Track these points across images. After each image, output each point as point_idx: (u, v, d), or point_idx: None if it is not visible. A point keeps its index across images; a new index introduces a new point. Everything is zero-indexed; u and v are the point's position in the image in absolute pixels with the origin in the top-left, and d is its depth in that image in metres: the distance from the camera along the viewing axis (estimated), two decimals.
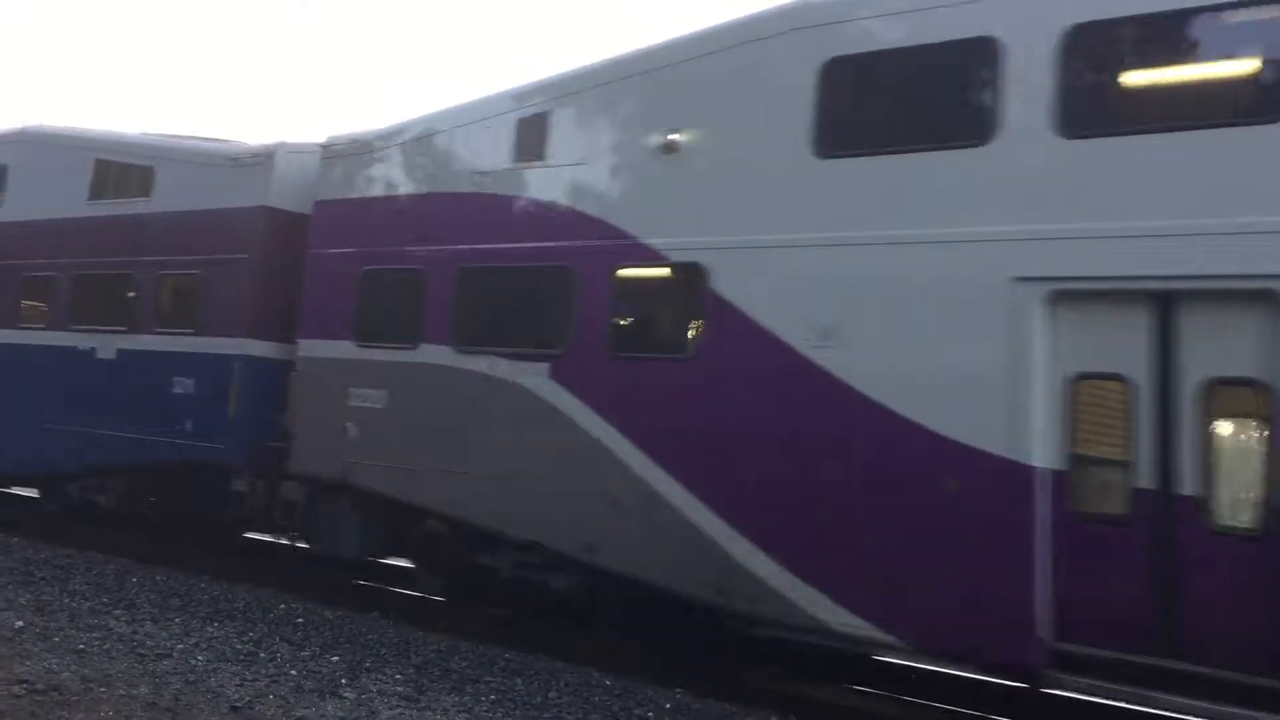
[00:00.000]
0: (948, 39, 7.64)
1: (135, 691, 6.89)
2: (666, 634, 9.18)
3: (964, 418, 7.22)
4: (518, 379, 9.44)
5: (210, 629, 9.02)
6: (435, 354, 10.03)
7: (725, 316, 8.32)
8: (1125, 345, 6.89)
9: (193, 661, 7.84)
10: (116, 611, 9.36)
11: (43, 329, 13.91)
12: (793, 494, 7.89)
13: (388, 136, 10.87)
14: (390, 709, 7.12)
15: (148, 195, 12.90)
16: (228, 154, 12.32)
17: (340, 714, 6.90)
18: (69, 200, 13.76)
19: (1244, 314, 6.54)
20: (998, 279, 7.18)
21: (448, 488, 9.78)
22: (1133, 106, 7.13)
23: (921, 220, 7.54)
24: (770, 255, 8.17)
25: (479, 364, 9.71)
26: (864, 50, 8.01)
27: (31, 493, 15.54)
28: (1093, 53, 7.18)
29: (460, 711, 7.25)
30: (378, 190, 10.81)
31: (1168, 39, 7.06)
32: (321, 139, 11.50)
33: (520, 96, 9.94)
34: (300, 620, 9.78)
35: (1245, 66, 6.76)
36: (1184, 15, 6.95)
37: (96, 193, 13.53)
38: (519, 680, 8.24)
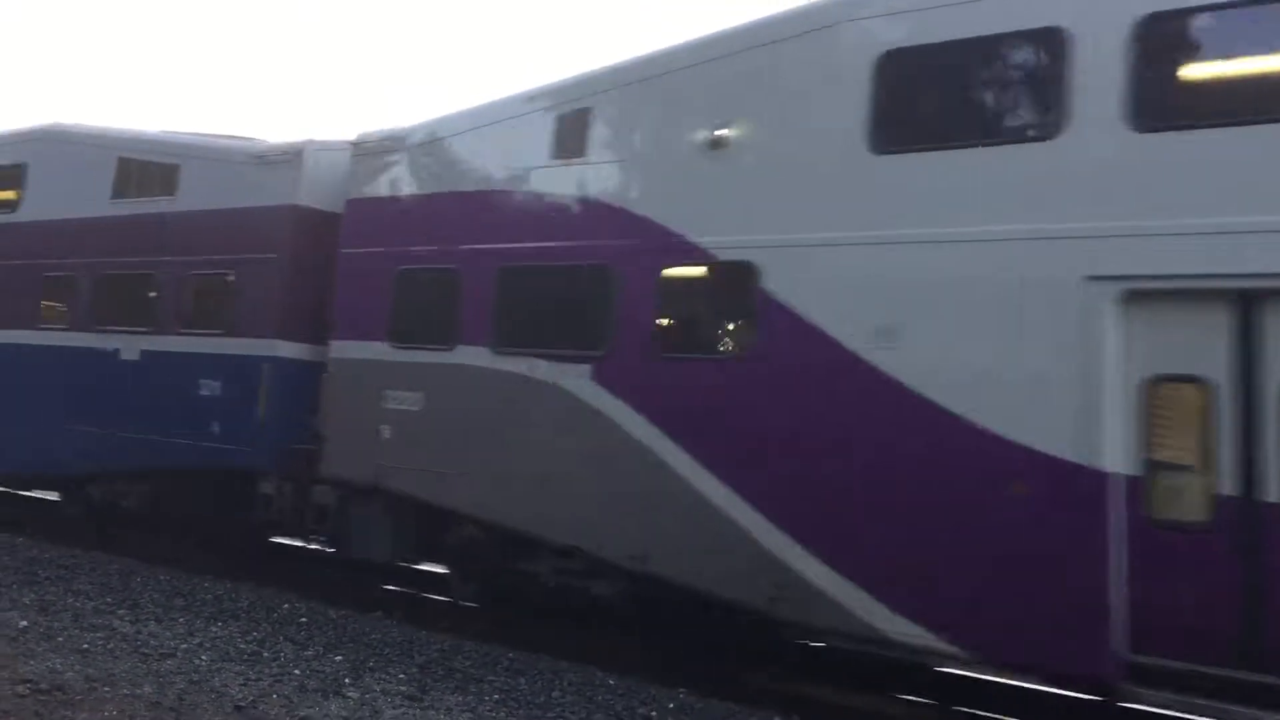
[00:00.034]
0: (1013, 30, 7.41)
1: (139, 691, 6.87)
2: (711, 637, 8.96)
3: (1031, 421, 6.98)
4: (558, 381, 9.22)
5: (214, 629, 8.98)
6: (473, 355, 9.81)
7: (777, 316, 8.09)
8: (1204, 346, 6.65)
9: (196, 661, 7.80)
10: (120, 611, 9.32)
11: (64, 329, 13.70)
12: (848, 499, 7.65)
13: (422, 133, 10.64)
14: (394, 708, 7.09)
15: (172, 194, 12.69)
16: (254, 152, 12.10)
17: (344, 713, 6.87)
18: (91, 199, 13.55)
19: None
20: (1068, 278, 6.95)
21: (486, 492, 9.55)
22: (1208, 98, 6.90)
23: (985, 217, 7.30)
24: (825, 254, 7.93)
25: (518, 365, 9.49)
26: (922, 42, 7.78)
27: (50, 495, 15.42)
28: (1166, 43, 6.94)
29: (464, 711, 7.20)
30: (412, 188, 10.59)
31: (1243, 28, 6.83)
32: (352, 136, 11.29)
33: (560, 92, 9.72)
34: (304, 620, 9.72)
35: None
36: (1260, 3, 6.71)
37: (119, 191, 13.31)
38: (522, 679, 8.19)
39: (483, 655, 8.90)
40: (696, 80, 8.82)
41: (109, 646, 8.00)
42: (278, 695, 7.12)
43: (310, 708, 6.90)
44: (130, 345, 12.77)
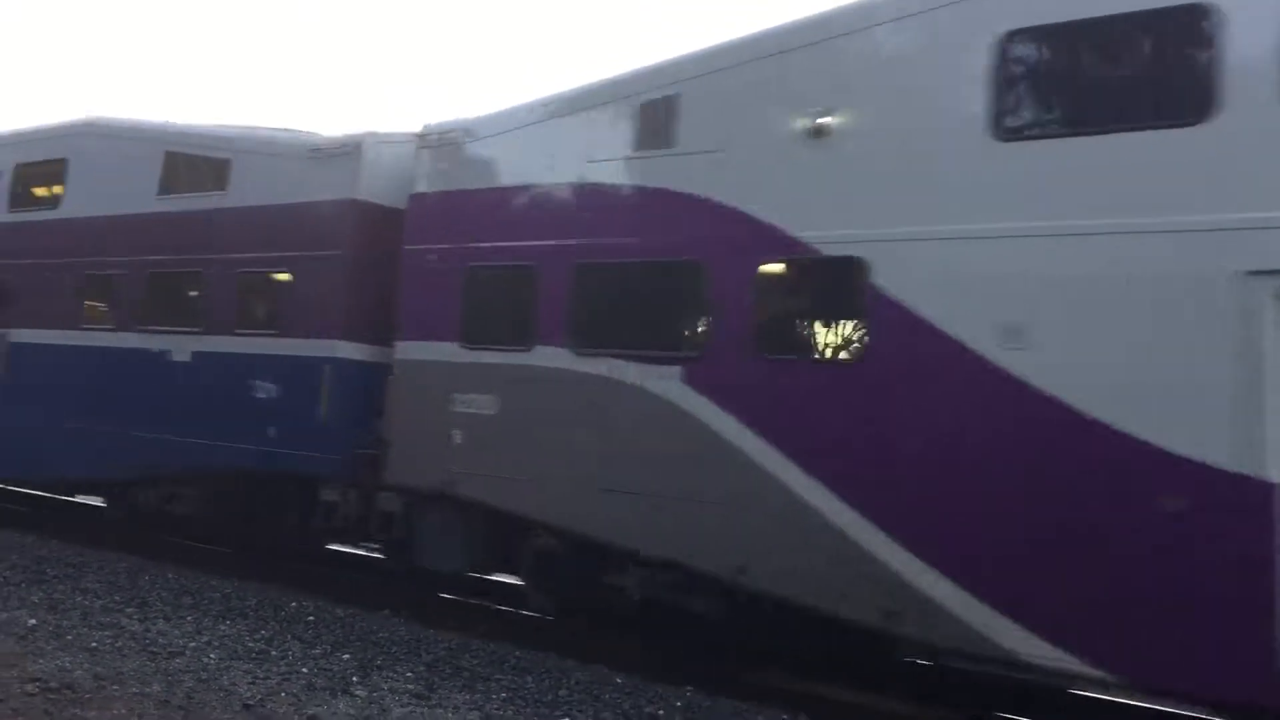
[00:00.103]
0: (1155, 7, 6.89)
1: (148, 689, 6.88)
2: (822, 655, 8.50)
3: (1183, 427, 6.48)
4: (645, 384, 8.74)
5: (222, 627, 8.96)
6: (551, 356, 9.34)
7: (890, 315, 7.60)
8: None
9: (205, 659, 7.80)
10: (129, 610, 9.29)
11: (109, 330, 13.28)
12: (974, 511, 7.16)
13: (492, 123, 10.17)
14: (401, 706, 7.07)
15: (223, 189, 12.24)
16: (310, 145, 11.63)
17: (352, 712, 6.86)
18: (137, 195, 13.11)
19: None
20: (1223, 273, 6.44)
21: (565, 500, 9.09)
22: None
23: (1127, 208, 6.80)
24: (943, 248, 7.44)
25: (601, 367, 9.01)
26: (1052, 21, 7.27)
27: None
28: None
29: (471, 709, 7.18)
30: (482, 181, 10.11)
31: None
32: (415, 127, 10.81)
33: (643, 79, 9.23)
34: (311, 618, 9.66)
35: None
36: None
37: (167, 187, 12.87)
38: (529, 678, 8.14)
39: (490, 654, 8.85)
40: (796, 65, 8.33)
41: (117, 645, 7.97)
42: (286, 693, 7.12)
43: (318, 706, 6.90)
44: (180, 346, 12.34)
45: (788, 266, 8.25)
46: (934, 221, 7.51)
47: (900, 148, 7.75)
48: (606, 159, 9.27)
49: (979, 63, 7.46)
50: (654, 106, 9.05)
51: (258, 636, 8.71)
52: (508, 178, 9.92)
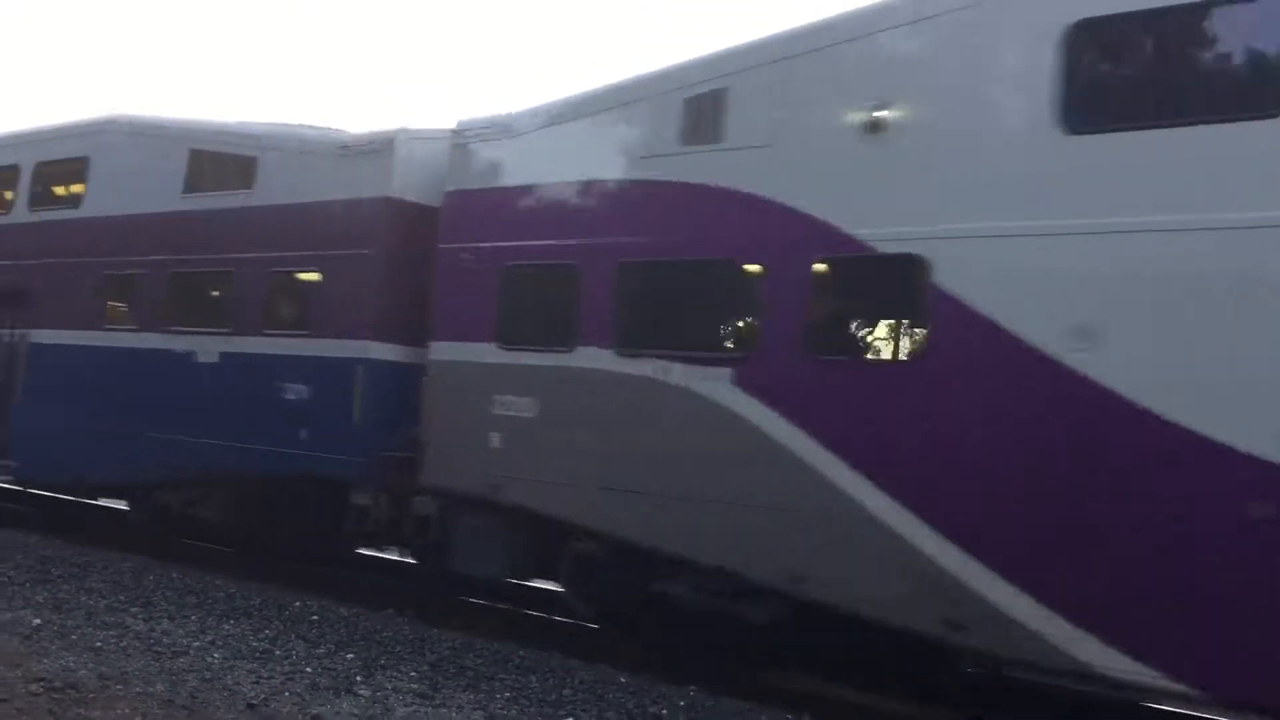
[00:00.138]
0: None
1: (152, 689, 6.87)
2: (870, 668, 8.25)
3: (1269, 431, 6.22)
4: (693, 385, 8.50)
5: (226, 626, 8.94)
6: (593, 357, 9.09)
7: (952, 314, 7.35)
8: None
9: (209, 659, 7.79)
10: (133, 609, 9.27)
11: (132, 330, 13.07)
12: (1045, 518, 6.91)
13: (530, 119, 9.93)
14: (405, 706, 7.05)
15: (250, 187, 12.01)
16: (340, 142, 11.41)
17: (356, 711, 6.85)
18: (161, 194, 12.88)
19: None
20: None
21: (610, 505, 8.85)
22: None
23: (1207, 203, 6.54)
24: (1009, 245, 7.18)
25: (645, 369, 8.76)
26: (1126, 10, 7.01)
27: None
28: None
29: (475, 709, 7.17)
30: (520, 178, 9.86)
31: None
32: (451, 123, 10.58)
33: (688, 72, 8.98)
34: (315, 618, 9.62)
35: None
36: None
37: (192, 185, 12.64)
38: (533, 677, 8.12)
39: (494, 653, 8.82)
40: (851, 57, 8.07)
41: (122, 644, 7.95)
42: (290, 693, 7.10)
43: (322, 705, 6.88)
44: (207, 347, 12.12)
45: (842, 264, 8.00)
46: (999, 218, 7.26)
47: (963, 141, 7.49)
48: (650, 155, 9.02)
49: (1047, 53, 7.19)
50: (700, 101, 8.80)
51: (262, 636, 8.68)
52: (547, 174, 9.67)
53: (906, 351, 7.79)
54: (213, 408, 11.87)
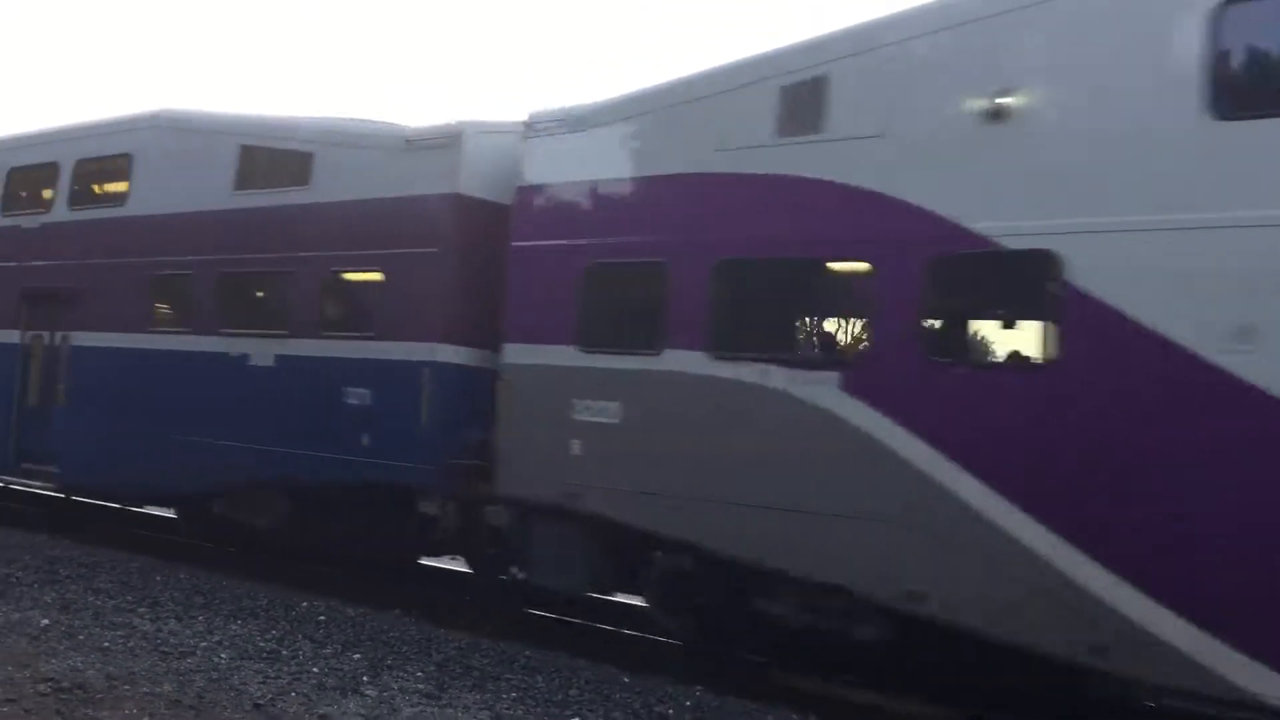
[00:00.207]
0: None
1: (159, 689, 6.91)
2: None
3: None
4: (794, 390, 8.02)
5: (233, 627, 8.97)
6: (683, 361, 8.61)
7: (1089, 313, 6.85)
8: None
9: (216, 659, 7.83)
10: (141, 609, 9.29)
11: (182, 333, 12.64)
12: (1206, 535, 6.40)
13: (610, 110, 9.45)
14: (412, 706, 7.08)
15: (305, 184, 11.56)
16: (403, 136, 10.95)
17: (362, 711, 6.87)
18: (210, 191, 12.44)
19: None
20: None
21: (702, 516, 8.38)
22: None
23: None
24: (1153, 239, 6.68)
25: (742, 373, 8.28)
26: None
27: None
28: None
29: (481, 709, 7.18)
30: (599, 172, 9.38)
31: None
32: (522, 115, 10.11)
33: (783, 59, 8.50)
34: (322, 618, 9.62)
35: None
36: None
37: (243, 183, 12.19)
38: (539, 677, 8.13)
39: (500, 653, 8.82)
40: (971, 40, 7.58)
41: (129, 645, 8.00)
42: (296, 693, 7.12)
43: (329, 705, 6.91)
44: (262, 350, 11.67)
45: (963, 262, 7.50)
46: (1141, 210, 6.76)
47: (1098, 129, 7.00)
48: (743, 146, 8.54)
49: (1194, 32, 6.70)
50: (798, 89, 8.32)
51: (269, 636, 8.70)
52: (630, 168, 9.19)
53: (1037, 353, 7.29)
54: (268, 413, 11.44)
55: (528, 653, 8.84)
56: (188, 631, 8.59)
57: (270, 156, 12.04)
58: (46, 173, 14.60)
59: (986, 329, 7.76)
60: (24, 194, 15.05)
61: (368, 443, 10.55)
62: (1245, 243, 6.40)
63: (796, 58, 8.42)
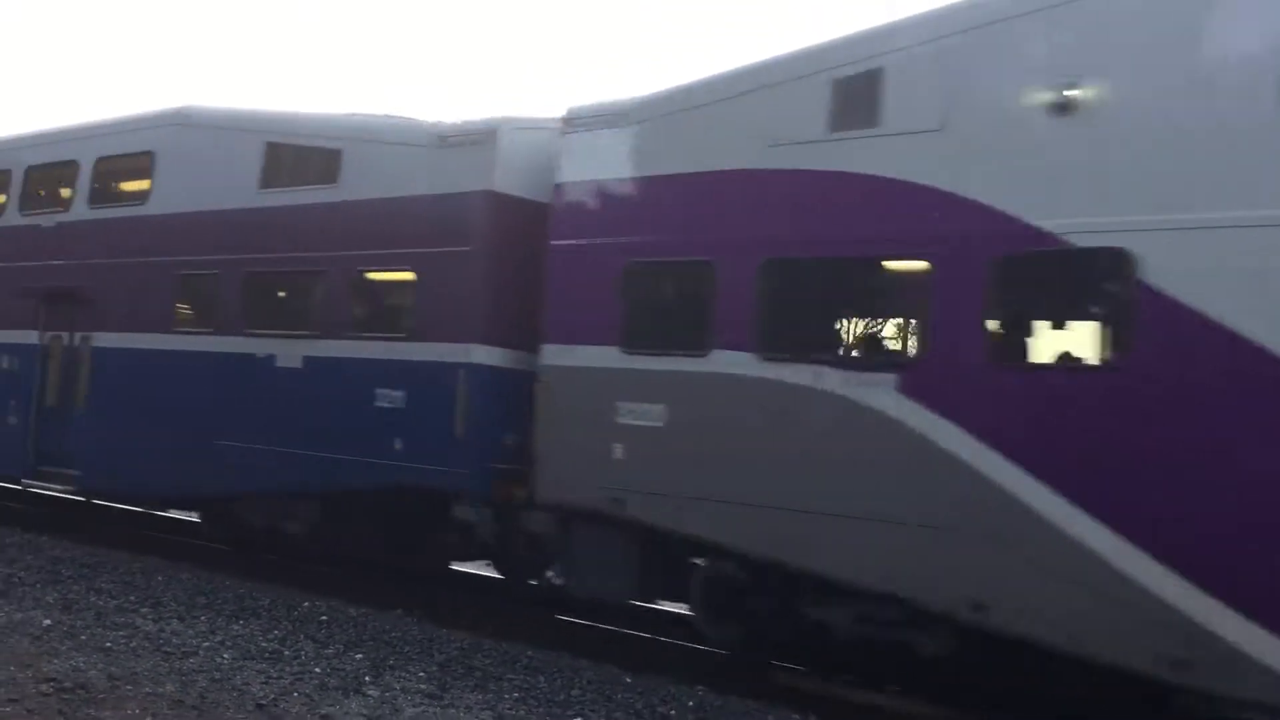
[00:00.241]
0: None
1: (162, 689, 6.90)
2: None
3: None
4: (848, 392, 7.77)
5: (235, 627, 8.95)
6: (731, 362, 8.37)
7: (1164, 313, 6.60)
8: None
9: (218, 659, 7.81)
10: (143, 610, 9.27)
11: (207, 334, 12.41)
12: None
13: (652, 105, 9.20)
14: (414, 706, 7.07)
15: (333, 182, 11.32)
16: (435, 133, 10.70)
17: (364, 711, 6.85)
18: (235, 190, 12.20)
19: None
20: None
21: (757, 523, 8.12)
22: None
23: None
24: (1238, 237, 6.43)
25: (794, 375, 8.04)
26: None
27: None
28: None
29: (484, 709, 7.17)
30: (642, 168, 9.13)
31: None
32: (560, 111, 9.86)
33: (837, 51, 8.25)
34: (324, 618, 9.59)
35: None
36: None
37: (269, 180, 11.95)
38: (541, 678, 8.12)
39: (502, 653, 8.81)
40: (1036, 30, 7.33)
41: (132, 645, 7.98)
42: (299, 693, 7.11)
43: (331, 706, 6.89)
44: (289, 351, 11.43)
45: (1028, 260, 7.25)
46: (1223, 207, 6.50)
47: (1173, 121, 6.74)
48: (793, 141, 8.29)
49: (1273, 19, 6.44)
50: (851, 82, 8.07)
51: (271, 636, 8.69)
52: (674, 164, 8.93)
53: (1107, 354, 7.04)
54: (296, 415, 11.21)
55: (530, 653, 8.82)
56: (190, 631, 8.56)
57: (297, 154, 11.81)
58: (65, 171, 14.38)
59: (1055, 328, 7.49)
60: (42, 192, 14.84)
61: (400, 446, 10.31)
62: None
63: (850, 50, 8.18)
